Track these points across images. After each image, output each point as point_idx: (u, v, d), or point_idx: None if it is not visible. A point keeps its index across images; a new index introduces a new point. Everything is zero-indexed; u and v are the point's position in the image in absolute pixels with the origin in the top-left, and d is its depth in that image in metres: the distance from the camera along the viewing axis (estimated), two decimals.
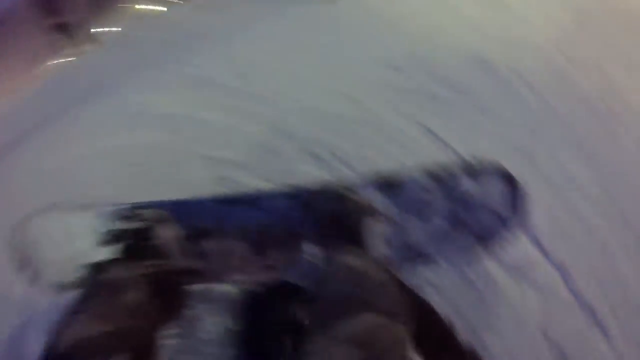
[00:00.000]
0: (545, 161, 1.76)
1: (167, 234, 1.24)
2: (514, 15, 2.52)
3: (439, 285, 1.32)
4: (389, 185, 1.21)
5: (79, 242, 1.39)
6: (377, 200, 1.21)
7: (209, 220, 1.28)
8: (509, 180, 1.26)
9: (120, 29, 4.53)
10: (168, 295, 1.21)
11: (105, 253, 1.21)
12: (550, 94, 2.00)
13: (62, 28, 5.37)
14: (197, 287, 1.36)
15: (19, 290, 1.60)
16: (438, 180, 1.23)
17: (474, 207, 1.27)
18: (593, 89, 2.05)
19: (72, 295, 1.06)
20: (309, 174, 1.64)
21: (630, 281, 1.41)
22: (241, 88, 2.18)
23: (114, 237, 1.20)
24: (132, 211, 1.23)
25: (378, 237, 1.15)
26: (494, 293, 1.36)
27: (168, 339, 1.35)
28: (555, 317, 1.34)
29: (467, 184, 1.25)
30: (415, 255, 1.27)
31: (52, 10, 5.12)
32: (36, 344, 1.34)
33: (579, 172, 1.71)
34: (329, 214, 1.07)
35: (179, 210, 1.28)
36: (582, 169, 1.72)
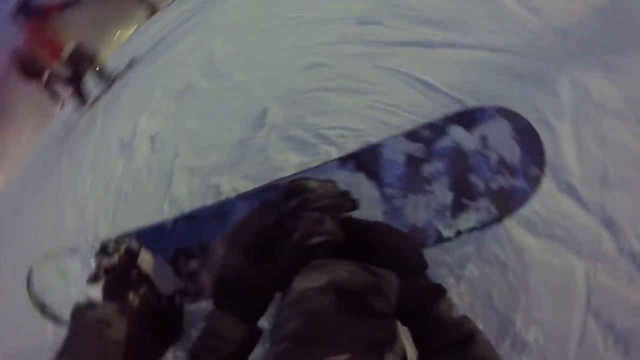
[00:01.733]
0: (564, 85, 1.49)
1: (146, 261, 1.16)
2: None
3: (452, 267, 1.14)
4: (366, 163, 1.03)
5: (73, 283, 1.39)
6: (359, 181, 1.04)
7: (183, 241, 1.17)
8: (515, 121, 1.01)
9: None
10: (163, 322, 1.14)
11: (93, 291, 1.13)
12: (556, 13, 1.67)
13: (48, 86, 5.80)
14: (193, 307, 1.28)
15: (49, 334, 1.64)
16: (427, 143, 1.02)
17: (479, 163, 1.04)
18: None
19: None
20: (290, 162, 1.49)
21: None
22: (218, 88, 2.05)
23: (97, 274, 1.14)
24: (110, 245, 1.16)
25: None
26: (524, 266, 1.13)
27: None
28: (602, 284, 1.08)
29: (465, 139, 1.03)
30: (419, 235, 1.08)
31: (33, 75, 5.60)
32: None
33: (605, 93, 1.42)
34: (301, 210, 0.92)
35: (152, 236, 1.19)
36: (607, 88, 1.43)
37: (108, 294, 1.08)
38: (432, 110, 1.50)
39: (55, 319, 1.44)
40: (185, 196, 1.61)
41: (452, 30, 1.77)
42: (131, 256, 1.14)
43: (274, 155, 1.54)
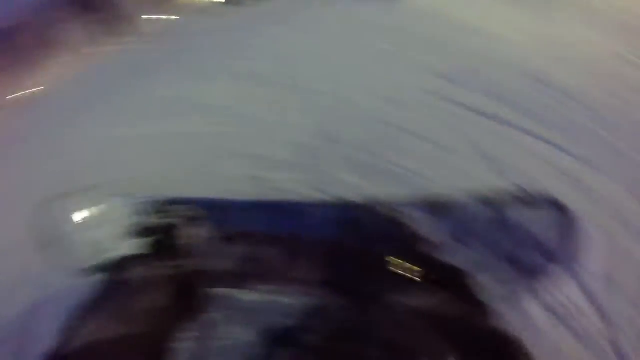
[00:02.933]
0: (604, 198, 1.59)
1: (199, 233, 1.16)
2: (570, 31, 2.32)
3: None
4: (436, 207, 1.09)
5: (106, 229, 1.36)
6: (421, 220, 1.09)
7: (243, 224, 1.18)
8: (563, 214, 1.11)
9: (168, 18, 4.55)
10: (188, 298, 1.14)
11: (131, 247, 1.15)
12: (611, 117, 1.81)
13: (103, 21, 5.50)
14: (219, 291, 1.26)
15: (36, 270, 1.56)
16: (488, 207, 1.09)
17: (522, 239, 1.13)
18: None
19: (91, 289, 1.00)
20: (352, 184, 1.50)
21: None
22: (287, 85, 2.08)
23: (143, 231, 1.13)
24: (165, 206, 1.15)
25: None
26: (532, 338, 1.18)
27: (184, 343, 1.30)
28: None
29: (517, 214, 1.11)
30: None
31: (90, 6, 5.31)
32: (48, 327, 1.30)
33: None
34: (371, 234, 0.96)
35: (214, 209, 1.19)
36: None
37: (150, 256, 1.09)
38: (492, 184, 1.47)
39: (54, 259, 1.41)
40: (230, 178, 1.60)
41: (532, 119, 1.81)
42: (187, 224, 1.13)
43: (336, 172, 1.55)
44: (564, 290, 1.29)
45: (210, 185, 1.59)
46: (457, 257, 1.13)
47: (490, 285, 1.18)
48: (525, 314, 1.22)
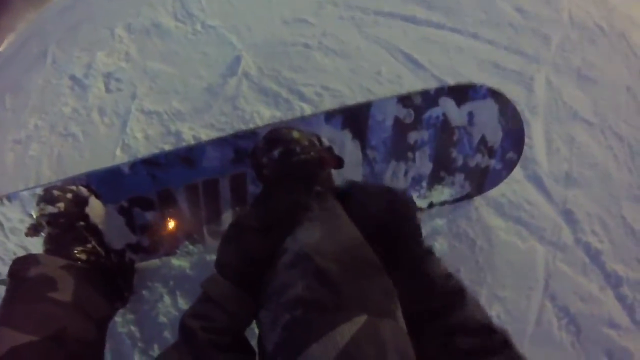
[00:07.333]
0: (543, 88, 1.55)
1: (96, 211, 1.02)
2: None
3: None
4: (354, 121, 0.97)
5: (10, 234, 1.24)
6: (343, 139, 0.98)
7: (141, 189, 1.05)
8: (504, 105, 1.01)
9: None
10: (110, 280, 1.02)
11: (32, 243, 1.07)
12: (541, 18, 1.75)
13: None
14: (144, 264, 1.18)
15: None
16: (417, 110, 0.98)
17: (462, 139, 1.04)
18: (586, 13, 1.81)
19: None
20: (261, 114, 1.43)
21: (634, 224, 1.28)
22: (187, 31, 1.88)
23: (38, 224, 0.99)
24: (55, 191, 0.99)
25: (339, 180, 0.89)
26: (491, 245, 1.20)
27: (123, 327, 1.18)
28: (559, 270, 1.19)
29: (453, 113, 1.00)
30: None
31: None
32: None
33: (577, 100, 1.53)
34: (273, 161, 0.84)
35: (104, 182, 1.04)
36: (579, 96, 1.54)
37: (51, 247, 0.94)
38: (414, 84, 1.49)
39: None
40: (142, 142, 1.48)
41: (440, 12, 1.76)
42: (79, 204, 0.97)
43: (243, 106, 1.45)
44: (518, 190, 1.29)
45: (118, 154, 1.49)
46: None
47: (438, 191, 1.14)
48: (480, 222, 1.22)
